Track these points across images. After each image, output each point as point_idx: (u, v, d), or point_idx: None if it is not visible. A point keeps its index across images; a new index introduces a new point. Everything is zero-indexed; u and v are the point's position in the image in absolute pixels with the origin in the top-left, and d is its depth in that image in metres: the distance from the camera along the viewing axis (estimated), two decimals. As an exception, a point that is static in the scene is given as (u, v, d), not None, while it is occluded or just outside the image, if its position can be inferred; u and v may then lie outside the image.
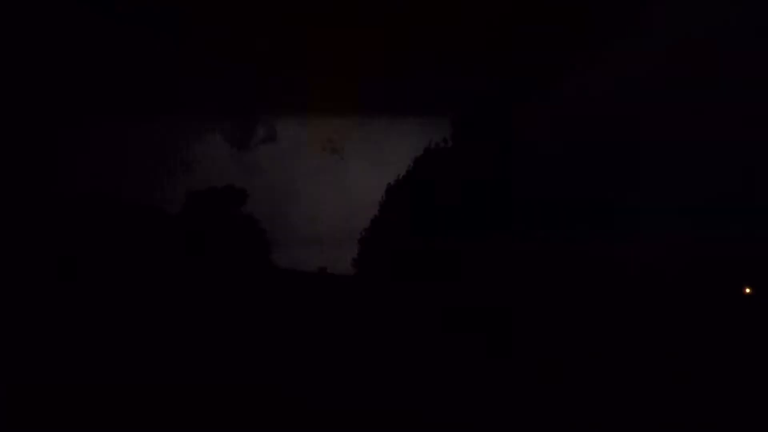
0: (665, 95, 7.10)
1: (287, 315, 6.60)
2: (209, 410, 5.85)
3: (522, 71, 7.12)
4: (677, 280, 6.75)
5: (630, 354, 6.31)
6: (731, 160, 7.04)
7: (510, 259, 6.89)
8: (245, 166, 7.24)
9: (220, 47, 7.03)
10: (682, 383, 6.06)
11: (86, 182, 7.05)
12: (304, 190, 7.37)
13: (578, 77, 7.12)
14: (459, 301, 6.71)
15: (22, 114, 6.89)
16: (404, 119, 7.15)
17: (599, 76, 7.10)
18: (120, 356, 6.22)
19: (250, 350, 6.32)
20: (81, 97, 6.96)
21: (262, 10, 7.05)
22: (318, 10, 7.05)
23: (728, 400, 5.90)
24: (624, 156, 7.09)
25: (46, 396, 5.91)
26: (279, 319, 6.56)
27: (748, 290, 6.67)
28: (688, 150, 7.07)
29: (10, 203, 6.76)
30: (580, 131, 7.13)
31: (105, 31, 6.96)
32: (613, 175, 7.11)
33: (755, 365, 6.19)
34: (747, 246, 6.85)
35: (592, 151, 7.11)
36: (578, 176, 7.11)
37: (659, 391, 6.01)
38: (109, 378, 6.06)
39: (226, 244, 6.91)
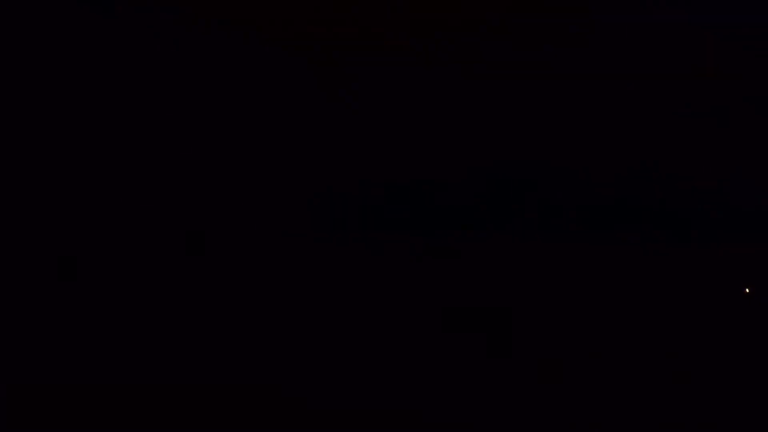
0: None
1: (287, 315, 6.60)
2: (209, 410, 5.85)
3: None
4: (677, 280, 6.75)
5: (630, 354, 6.32)
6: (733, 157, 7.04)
7: (510, 259, 6.89)
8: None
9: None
10: (682, 383, 6.06)
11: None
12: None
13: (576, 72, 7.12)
14: (459, 301, 6.71)
15: (22, 114, 6.89)
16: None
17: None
18: (120, 356, 6.23)
19: (250, 350, 6.33)
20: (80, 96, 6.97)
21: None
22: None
23: (728, 400, 5.91)
24: (625, 154, 7.10)
25: (46, 396, 5.91)
26: (279, 319, 6.57)
27: (747, 290, 6.67)
28: (688, 148, 7.07)
29: (9, 203, 6.76)
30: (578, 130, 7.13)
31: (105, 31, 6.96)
32: (614, 173, 7.10)
33: (755, 365, 6.20)
34: (747, 246, 6.86)
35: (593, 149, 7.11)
36: (577, 174, 7.10)
37: (659, 391, 6.02)
38: (109, 378, 6.06)
39: (226, 244, 6.91)
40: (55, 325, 6.37)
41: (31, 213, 6.76)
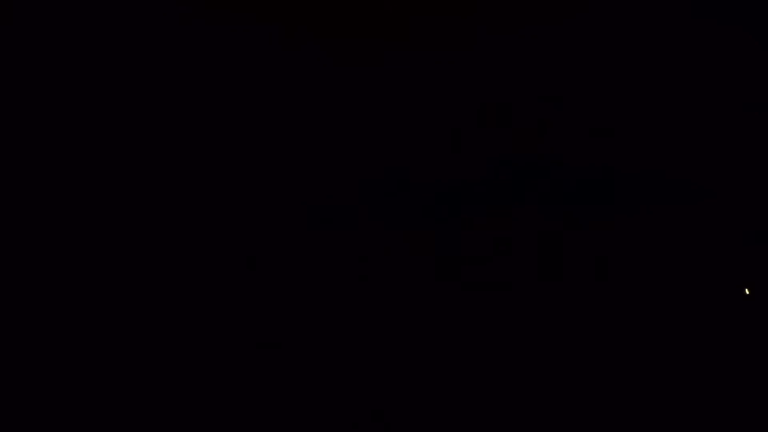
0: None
1: (286, 315, 6.60)
2: (209, 410, 5.86)
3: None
4: (677, 280, 6.76)
5: (630, 354, 6.32)
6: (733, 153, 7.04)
7: (510, 257, 6.90)
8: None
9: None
10: (682, 383, 6.07)
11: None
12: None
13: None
14: (459, 301, 6.71)
15: (21, 114, 6.89)
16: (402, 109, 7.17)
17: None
18: (120, 356, 6.23)
19: (250, 350, 6.33)
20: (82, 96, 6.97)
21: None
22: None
23: (728, 400, 5.91)
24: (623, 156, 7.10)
25: (46, 396, 5.92)
26: (278, 319, 6.57)
27: (747, 291, 6.67)
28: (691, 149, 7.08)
29: (9, 203, 6.76)
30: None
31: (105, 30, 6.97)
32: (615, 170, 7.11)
33: (755, 366, 6.20)
34: (747, 246, 6.86)
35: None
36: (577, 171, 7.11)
37: (659, 391, 6.02)
38: (109, 378, 6.06)
39: (225, 244, 6.91)
40: (55, 325, 6.37)
41: (31, 213, 6.76)
